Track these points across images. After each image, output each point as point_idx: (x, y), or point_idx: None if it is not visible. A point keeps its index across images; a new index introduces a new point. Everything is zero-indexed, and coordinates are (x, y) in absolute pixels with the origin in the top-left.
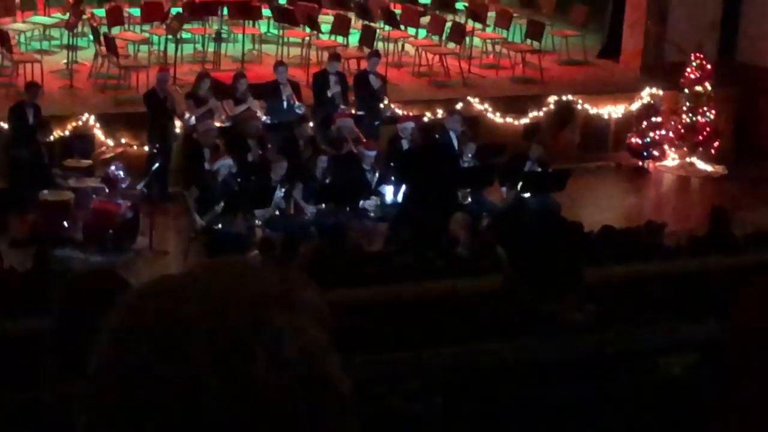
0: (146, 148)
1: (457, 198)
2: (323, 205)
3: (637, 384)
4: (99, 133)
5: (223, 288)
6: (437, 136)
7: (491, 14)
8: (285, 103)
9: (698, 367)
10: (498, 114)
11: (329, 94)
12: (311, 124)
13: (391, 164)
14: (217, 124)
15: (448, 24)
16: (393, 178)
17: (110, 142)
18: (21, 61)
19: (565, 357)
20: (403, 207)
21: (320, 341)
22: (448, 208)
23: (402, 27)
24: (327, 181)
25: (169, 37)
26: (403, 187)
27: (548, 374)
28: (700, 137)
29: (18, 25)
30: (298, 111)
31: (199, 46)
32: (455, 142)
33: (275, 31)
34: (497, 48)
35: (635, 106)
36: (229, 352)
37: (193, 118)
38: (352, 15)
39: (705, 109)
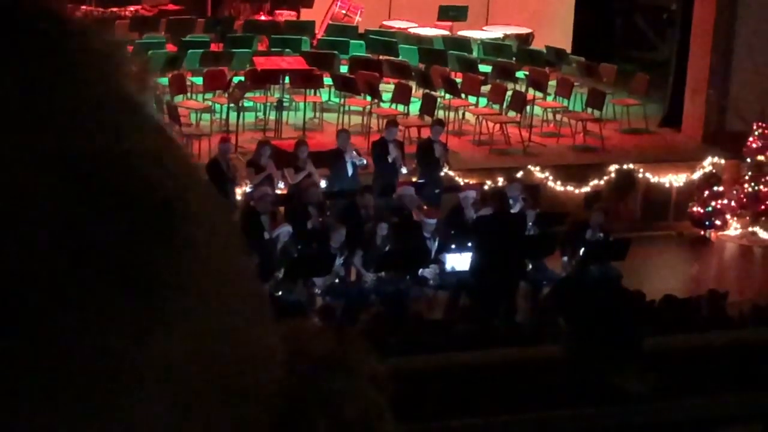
0: None
1: (525, 267)
2: (383, 273)
3: None
4: None
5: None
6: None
7: (552, 83)
8: (349, 171)
9: None
10: (559, 182)
11: (389, 159)
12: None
13: (452, 232)
14: (279, 192)
15: (509, 93)
16: (460, 244)
17: None
18: None
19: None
20: (470, 274)
21: (378, 405)
22: (516, 277)
23: (463, 95)
24: (387, 248)
25: (231, 105)
26: (470, 255)
27: None
28: (763, 206)
29: None
30: (357, 163)
31: (260, 115)
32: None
33: (336, 100)
34: (558, 117)
35: (697, 175)
36: (288, 415)
37: (250, 185)
38: (413, 84)
39: (767, 178)
